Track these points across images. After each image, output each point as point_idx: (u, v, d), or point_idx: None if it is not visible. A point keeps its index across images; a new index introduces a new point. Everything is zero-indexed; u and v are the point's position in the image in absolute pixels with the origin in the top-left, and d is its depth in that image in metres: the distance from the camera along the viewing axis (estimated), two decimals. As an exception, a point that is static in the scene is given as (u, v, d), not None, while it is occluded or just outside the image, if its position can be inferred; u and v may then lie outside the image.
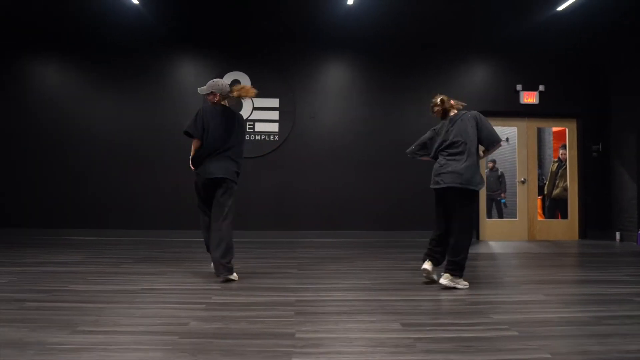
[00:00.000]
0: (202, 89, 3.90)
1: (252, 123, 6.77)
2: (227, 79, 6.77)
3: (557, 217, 7.39)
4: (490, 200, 8.27)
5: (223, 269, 3.58)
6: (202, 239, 3.97)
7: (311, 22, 6.85)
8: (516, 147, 7.19)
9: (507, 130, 7.51)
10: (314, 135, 6.84)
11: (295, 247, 5.82)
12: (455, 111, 3.64)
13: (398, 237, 6.70)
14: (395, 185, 6.78)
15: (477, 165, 3.47)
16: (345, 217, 6.74)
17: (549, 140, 9.19)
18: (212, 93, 3.86)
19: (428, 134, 3.74)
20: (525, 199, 7.11)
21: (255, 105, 6.78)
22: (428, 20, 6.88)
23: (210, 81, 3.87)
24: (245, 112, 6.77)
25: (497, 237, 6.99)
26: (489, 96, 7.00)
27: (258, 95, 6.92)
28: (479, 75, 7.06)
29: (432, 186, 3.57)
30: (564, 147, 7.36)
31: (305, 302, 2.98)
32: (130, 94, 6.80)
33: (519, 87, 6.98)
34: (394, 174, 6.76)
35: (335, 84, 6.96)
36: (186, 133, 3.73)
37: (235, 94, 3.86)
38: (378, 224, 6.76)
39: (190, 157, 3.80)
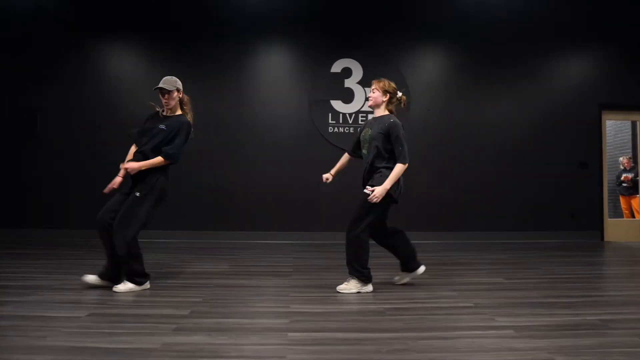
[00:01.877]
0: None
1: (364, 115, 6.21)
2: (337, 67, 6.21)
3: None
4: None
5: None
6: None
7: (428, 10, 6.34)
8: (638, 142, 6.77)
9: (622, 125, 7.06)
10: (429, 129, 6.31)
11: (436, 251, 5.28)
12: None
13: (512, 237, 6.24)
14: (520, 182, 6.33)
15: None
16: (465, 217, 6.25)
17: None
18: (177, 90, 3.32)
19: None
20: (648, 197, 6.70)
21: (368, 96, 6.20)
22: (543, 12, 6.47)
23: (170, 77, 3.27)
24: (356, 104, 6.21)
25: (619, 238, 6.55)
26: (606, 88, 6.55)
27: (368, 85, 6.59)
28: (597, 66, 6.58)
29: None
30: (676, 142, 6.96)
31: (575, 327, 2.45)
32: (220, 84, 6.16)
33: (643, 77, 6.54)
34: (519, 171, 6.33)
35: (447, 75, 6.44)
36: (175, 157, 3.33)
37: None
38: (497, 224, 6.29)
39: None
